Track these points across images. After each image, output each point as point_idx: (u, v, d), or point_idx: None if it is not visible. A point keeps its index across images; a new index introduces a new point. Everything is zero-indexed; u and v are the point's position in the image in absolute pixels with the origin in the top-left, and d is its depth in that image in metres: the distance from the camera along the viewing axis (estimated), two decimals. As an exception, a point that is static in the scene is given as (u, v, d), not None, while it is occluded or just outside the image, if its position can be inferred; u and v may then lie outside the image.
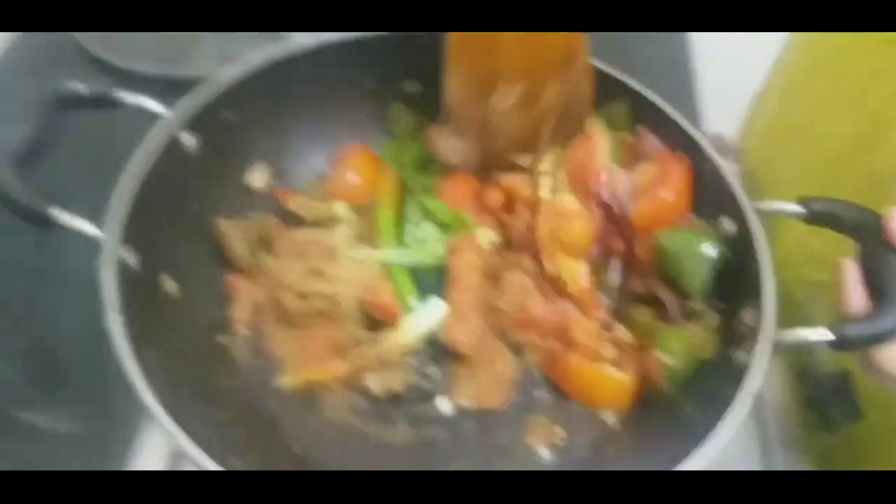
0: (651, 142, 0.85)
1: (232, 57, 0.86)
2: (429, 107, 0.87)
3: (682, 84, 1.22)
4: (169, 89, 0.80)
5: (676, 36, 1.32)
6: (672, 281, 0.80)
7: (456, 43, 0.79)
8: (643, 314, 0.82)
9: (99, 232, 0.66)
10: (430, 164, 0.92)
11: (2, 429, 0.83)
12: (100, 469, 0.79)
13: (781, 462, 0.84)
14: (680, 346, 0.77)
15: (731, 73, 1.20)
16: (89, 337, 0.85)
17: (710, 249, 0.78)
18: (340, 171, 0.92)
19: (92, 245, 0.92)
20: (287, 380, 0.79)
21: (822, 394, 0.82)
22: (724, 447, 0.78)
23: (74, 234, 0.93)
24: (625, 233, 0.81)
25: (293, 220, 0.89)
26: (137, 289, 0.67)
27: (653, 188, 0.81)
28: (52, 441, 0.82)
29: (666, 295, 0.80)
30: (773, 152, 1.02)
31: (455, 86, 0.82)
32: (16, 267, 0.95)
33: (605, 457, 0.77)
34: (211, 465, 0.56)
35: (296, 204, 0.89)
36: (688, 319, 0.78)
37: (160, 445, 0.80)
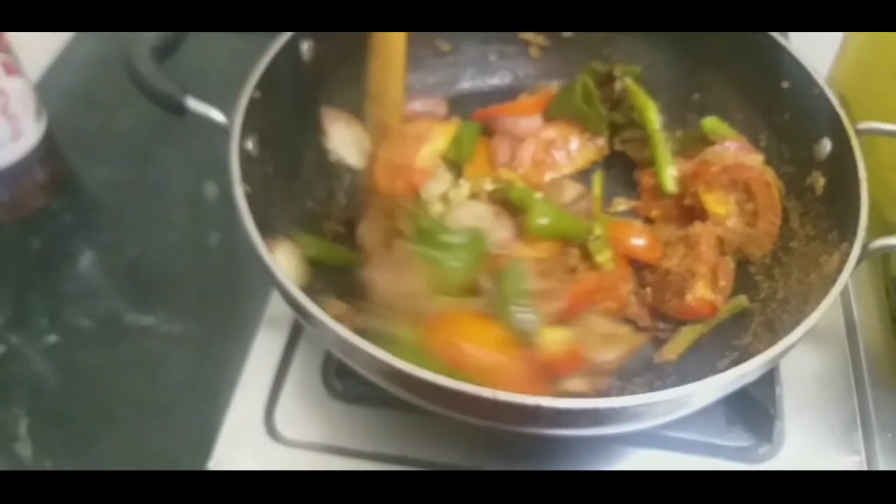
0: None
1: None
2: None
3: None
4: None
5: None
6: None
7: None
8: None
9: (225, 119, 0.71)
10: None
11: (116, 331, 0.89)
12: (208, 369, 0.84)
13: (869, 388, 0.85)
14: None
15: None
16: (191, 250, 0.95)
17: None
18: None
19: (194, 166, 1.01)
20: None
21: None
22: (819, 373, 0.84)
23: (178, 157, 1.03)
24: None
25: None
26: (255, 171, 0.73)
27: None
28: (165, 342, 0.88)
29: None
30: (866, 85, 1.01)
31: None
32: (122, 187, 1.03)
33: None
34: (319, 314, 0.61)
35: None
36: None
37: (272, 351, 0.84)
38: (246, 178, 0.69)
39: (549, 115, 0.95)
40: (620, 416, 0.61)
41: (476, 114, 0.96)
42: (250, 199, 0.67)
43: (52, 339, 0.88)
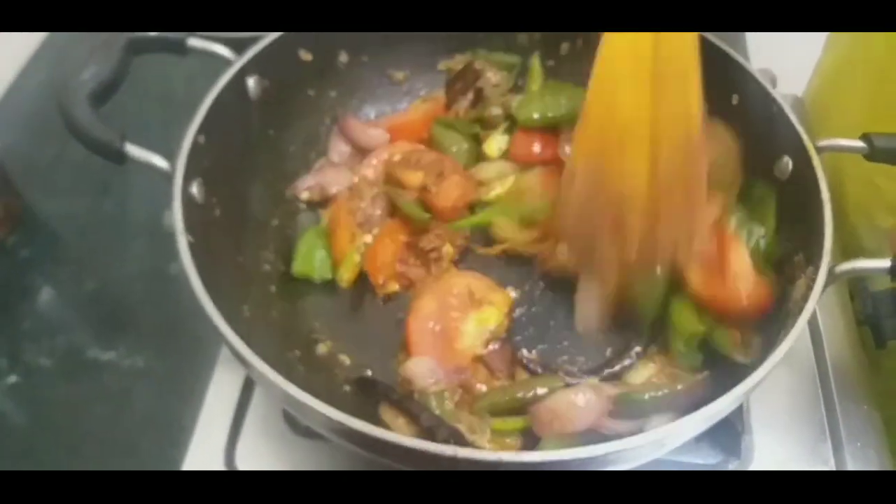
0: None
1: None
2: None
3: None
4: (235, 41, 0.82)
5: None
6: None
7: None
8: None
9: (168, 165, 0.69)
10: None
11: (78, 367, 0.87)
12: (173, 402, 0.83)
13: (837, 397, 0.84)
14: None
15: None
16: (152, 280, 0.93)
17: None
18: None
19: (152, 194, 0.98)
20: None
21: (876, 309, 0.82)
22: (786, 384, 0.82)
23: (135, 186, 1.00)
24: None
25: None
26: (201, 217, 0.71)
27: None
28: (128, 377, 0.86)
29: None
30: (842, 98, 0.99)
31: None
32: (79, 218, 1.01)
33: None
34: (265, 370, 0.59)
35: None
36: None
37: (232, 381, 0.83)
38: (191, 225, 0.67)
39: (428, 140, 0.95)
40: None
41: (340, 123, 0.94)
42: (195, 249, 0.65)
43: (13, 379, 0.86)
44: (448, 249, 0.85)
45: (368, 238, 0.86)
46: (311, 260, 0.84)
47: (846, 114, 0.97)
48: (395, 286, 0.84)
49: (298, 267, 0.84)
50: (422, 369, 0.74)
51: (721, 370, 0.76)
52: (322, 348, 0.80)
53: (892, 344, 0.86)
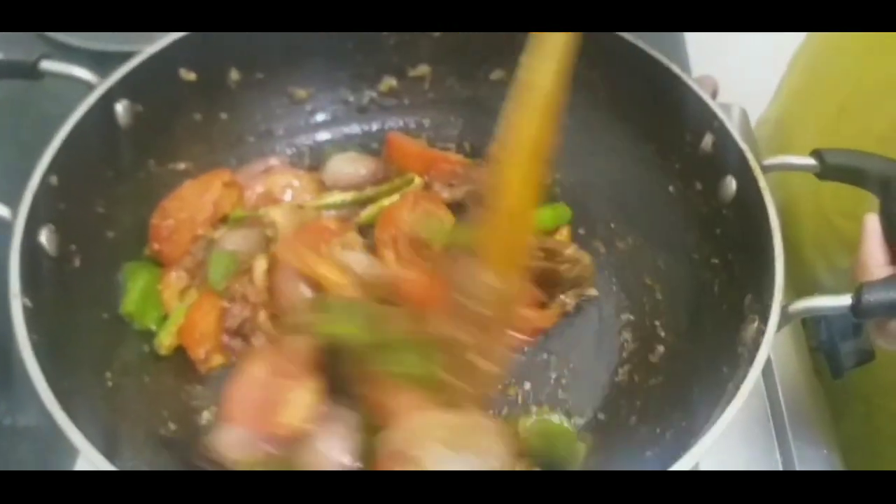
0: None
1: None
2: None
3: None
4: (98, 60, 0.73)
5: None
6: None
7: None
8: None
9: (9, 213, 0.59)
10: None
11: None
12: (61, 465, 0.72)
13: (792, 439, 0.77)
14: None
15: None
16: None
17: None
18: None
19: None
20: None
21: (831, 335, 0.76)
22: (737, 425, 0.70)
23: None
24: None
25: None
26: (54, 270, 0.61)
27: None
28: (9, 437, 0.75)
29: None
30: (807, 124, 0.92)
31: None
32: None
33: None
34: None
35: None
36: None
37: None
38: (37, 283, 0.57)
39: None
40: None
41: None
42: (35, 315, 0.54)
43: None
44: (263, 318, 0.72)
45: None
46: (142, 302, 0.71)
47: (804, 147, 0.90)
48: (219, 359, 0.72)
49: (127, 307, 0.71)
50: (231, 439, 0.63)
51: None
52: (206, 416, 0.69)
53: (849, 374, 0.80)
